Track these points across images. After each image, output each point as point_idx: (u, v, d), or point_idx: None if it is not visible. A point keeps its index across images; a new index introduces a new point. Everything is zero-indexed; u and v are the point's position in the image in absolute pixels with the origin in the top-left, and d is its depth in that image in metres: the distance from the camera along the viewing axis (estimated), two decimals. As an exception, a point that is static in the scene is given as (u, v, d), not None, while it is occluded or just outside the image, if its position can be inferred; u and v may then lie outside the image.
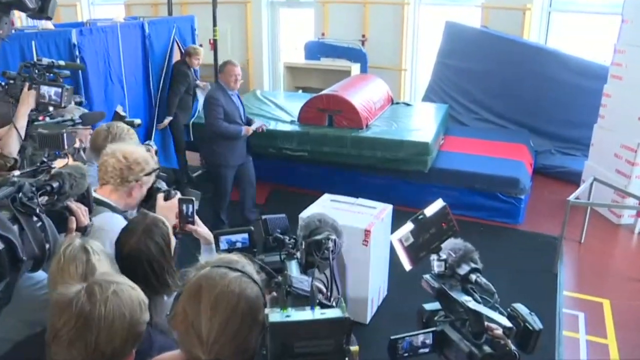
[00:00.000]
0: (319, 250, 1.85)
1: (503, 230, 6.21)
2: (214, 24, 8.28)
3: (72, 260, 1.77)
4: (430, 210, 1.93)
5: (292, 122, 7.05)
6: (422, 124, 7.22)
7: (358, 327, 4.40)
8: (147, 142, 3.74)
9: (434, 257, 1.92)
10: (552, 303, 4.87)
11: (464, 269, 1.88)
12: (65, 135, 2.28)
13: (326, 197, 4.89)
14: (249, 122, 5.86)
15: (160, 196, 2.58)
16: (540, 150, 8.00)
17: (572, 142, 7.93)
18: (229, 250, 1.98)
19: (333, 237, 1.90)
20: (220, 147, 5.61)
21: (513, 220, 6.34)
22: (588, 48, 8.33)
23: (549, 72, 8.07)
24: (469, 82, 8.89)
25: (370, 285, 4.43)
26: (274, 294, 1.70)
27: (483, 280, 1.85)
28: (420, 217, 1.90)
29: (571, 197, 5.39)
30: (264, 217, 2.08)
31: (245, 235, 2.04)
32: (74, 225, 1.96)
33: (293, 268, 1.80)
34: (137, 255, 2.07)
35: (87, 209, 2.03)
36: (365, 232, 4.28)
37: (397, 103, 8.37)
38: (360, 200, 4.80)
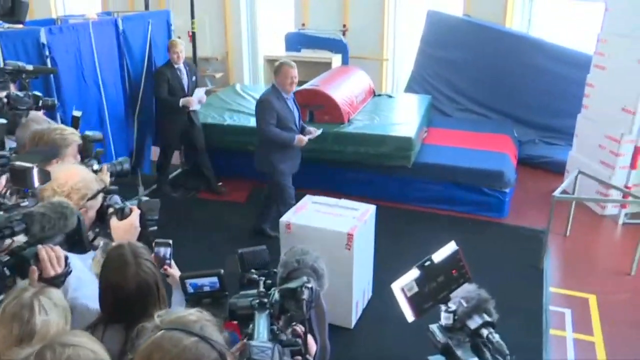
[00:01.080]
0: (294, 299, 1.71)
1: (488, 225, 6.14)
2: (192, 16, 8.10)
3: (10, 318, 1.58)
4: (439, 255, 1.75)
5: (273, 118, 6.87)
6: (404, 117, 7.12)
7: (343, 332, 4.33)
8: (119, 160, 3.22)
9: (442, 307, 1.75)
10: (538, 299, 4.83)
11: (475, 322, 1.70)
12: (35, 170, 1.90)
13: (308, 199, 4.77)
14: (302, 130, 5.54)
15: (113, 217, 2.33)
16: (524, 140, 7.93)
17: (556, 132, 7.88)
18: (196, 295, 1.85)
19: (310, 285, 1.75)
20: (272, 155, 5.31)
21: (498, 214, 6.28)
22: (572, 36, 8.23)
23: (532, 61, 7.98)
24: (451, 72, 8.78)
25: (354, 289, 4.33)
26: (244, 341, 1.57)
27: (496, 337, 1.67)
28: (427, 263, 1.72)
29: (557, 192, 5.33)
30: (240, 251, 1.94)
31: (214, 279, 1.86)
32: (36, 276, 1.76)
33: (261, 326, 1.63)
34: (146, 280, 1.92)
35: (60, 256, 1.83)
36: (348, 235, 4.18)
37: (379, 95, 8.26)
38: (343, 202, 4.69)
